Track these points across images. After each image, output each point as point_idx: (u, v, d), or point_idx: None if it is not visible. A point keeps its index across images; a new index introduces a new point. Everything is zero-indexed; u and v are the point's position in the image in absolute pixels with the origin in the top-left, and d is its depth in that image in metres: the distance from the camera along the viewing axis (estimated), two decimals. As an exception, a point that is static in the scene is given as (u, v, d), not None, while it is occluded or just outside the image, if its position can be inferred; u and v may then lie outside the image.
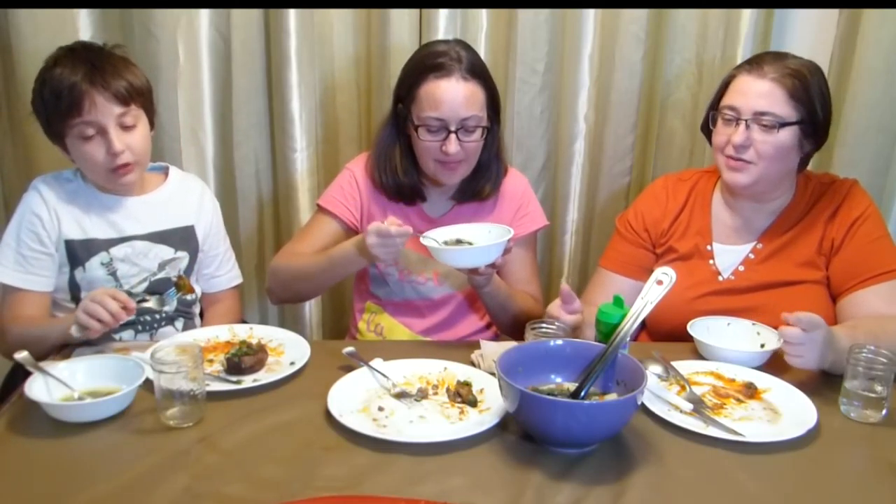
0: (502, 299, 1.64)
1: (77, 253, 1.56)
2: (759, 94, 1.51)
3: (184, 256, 1.67)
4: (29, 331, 1.49)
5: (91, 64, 1.49)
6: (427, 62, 1.59)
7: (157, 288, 1.63)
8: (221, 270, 1.78)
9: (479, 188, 1.71)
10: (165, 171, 1.71)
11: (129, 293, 1.57)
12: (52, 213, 1.55)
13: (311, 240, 1.70)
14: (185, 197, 1.70)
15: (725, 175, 1.58)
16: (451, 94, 1.56)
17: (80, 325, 1.38)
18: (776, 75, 1.50)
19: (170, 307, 1.65)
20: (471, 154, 1.63)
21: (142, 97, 1.55)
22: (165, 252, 1.63)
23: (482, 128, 1.61)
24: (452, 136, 1.57)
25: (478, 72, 1.60)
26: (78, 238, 1.56)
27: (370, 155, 1.73)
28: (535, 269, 1.81)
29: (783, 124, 1.50)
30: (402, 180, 1.68)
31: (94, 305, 1.36)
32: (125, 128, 1.51)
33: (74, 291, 1.58)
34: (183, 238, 1.66)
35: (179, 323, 1.68)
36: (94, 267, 1.57)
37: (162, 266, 1.63)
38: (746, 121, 1.51)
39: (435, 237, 1.53)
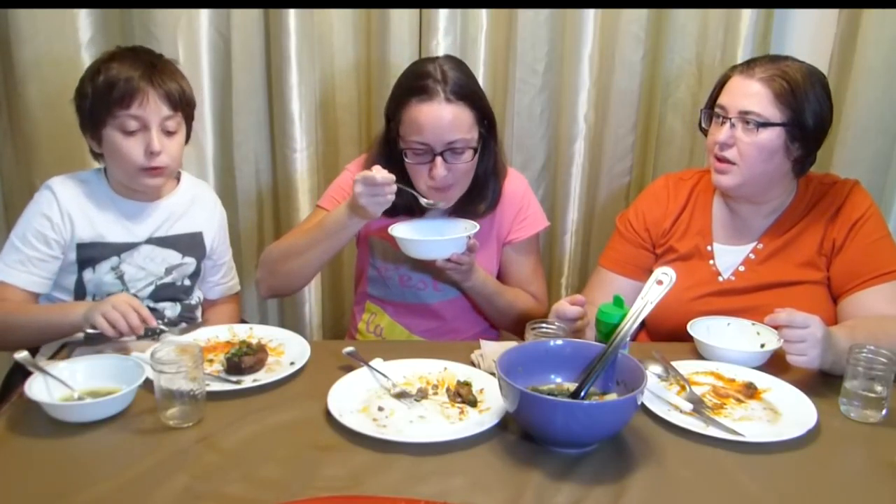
0: (488, 294, 1.64)
1: (89, 255, 1.55)
2: (746, 93, 1.51)
3: (191, 263, 1.67)
4: (20, 316, 1.47)
5: (151, 64, 1.51)
6: (410, 84, 1.55)
7: (163, 293, 1.63)
8: (226, 278, 1.80)
9: (474, 208, 1.67)
10: (177, 176, 1.70)
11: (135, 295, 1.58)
12: (64, 216, 1.53)
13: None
14: (196, 204, 1.70)
15: (713, 177, 1.59)
16: (434, 119, 1.51)
17: (94, 325, 1.37)
18: (764, 76, 1.50)
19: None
20: (461, 176, 1.58)
21: (188, 108, 1.57)
22: (173, 257, 1.63)
23: (472, 149, 1.56)
24: (438, 159, 1.53)
25: (464, 92, 1.54)
26: (90, 241, 1.55)
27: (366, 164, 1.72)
28: (537, 269, 1.80)
29: (764, 124, 1.50)
30: (395, 200, 1.58)
31: (116, 314, 1.35)
32: (167, 132, 1.52)
33: (80, 293, 1.57)
34: (190, 244, 1.66)
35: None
36: (104, 270, 1.56)
37: (169, 271, 1.63)
38: (731, 119, 1.52)
39: (406, 227, 1.53)
